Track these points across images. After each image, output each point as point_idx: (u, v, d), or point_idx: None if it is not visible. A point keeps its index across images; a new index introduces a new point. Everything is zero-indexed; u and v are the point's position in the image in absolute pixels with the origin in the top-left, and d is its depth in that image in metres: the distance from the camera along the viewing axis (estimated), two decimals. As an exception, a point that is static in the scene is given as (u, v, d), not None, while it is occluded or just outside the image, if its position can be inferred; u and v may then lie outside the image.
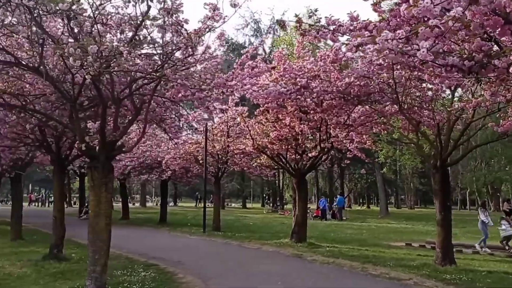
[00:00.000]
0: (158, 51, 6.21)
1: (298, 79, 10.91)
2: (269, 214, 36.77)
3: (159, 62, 6.61)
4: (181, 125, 11.16)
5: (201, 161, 18.07)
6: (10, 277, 8.52)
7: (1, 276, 8.59)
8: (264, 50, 37.82)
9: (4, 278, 8.46)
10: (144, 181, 29.98)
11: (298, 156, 14.19)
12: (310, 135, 13.60)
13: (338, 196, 34.10)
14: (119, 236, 17.45)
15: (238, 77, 10.79)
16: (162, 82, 7.09)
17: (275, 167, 15.66)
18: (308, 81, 10.91)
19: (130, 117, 7.17)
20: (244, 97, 13.98)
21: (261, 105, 12.23)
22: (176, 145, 18.43)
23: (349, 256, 11.52)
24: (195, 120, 17.75)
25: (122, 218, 26.08)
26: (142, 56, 6.31)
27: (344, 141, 12.19)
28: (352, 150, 14.28)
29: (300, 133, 13.40)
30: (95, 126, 6.00)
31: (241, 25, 45.14)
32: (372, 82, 10.98)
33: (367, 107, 12.18)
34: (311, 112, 12.53)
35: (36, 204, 50.75)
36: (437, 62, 4.86)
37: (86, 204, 28.43)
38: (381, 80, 10.75)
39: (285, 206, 41.89)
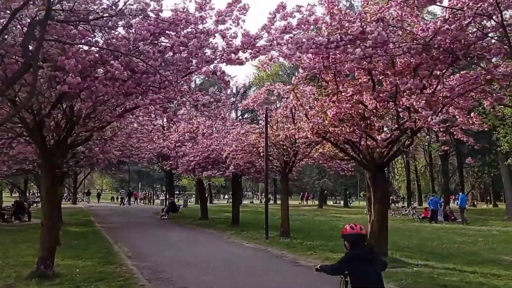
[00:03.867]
0: None
1: (347, 25, 7.36)
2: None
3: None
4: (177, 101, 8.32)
5: (261, 153, 15.08)
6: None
7: None
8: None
9: None
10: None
11: (373, 142, 10.42)
12: (381, 111, 9.72)
13: (460, 193, 28.14)
14: (168, 241, 15.03)
15: (270, 34, 7.81)
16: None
17: (345, 158, 11.98)
18: (365, 26, 7.29)
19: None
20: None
21: (305, 70, 8.84)
22: (237, 135, 15.84)
23: (440, 287, 7.68)
24: (256, 103, 14.97)
25: (200, 218, 24.30)
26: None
27: (427, 116, 8.14)
28: (454, 132, 10.29)
29: (372, 110, 9.68)
30: None
31: None
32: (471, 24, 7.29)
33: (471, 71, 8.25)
34: (379, 76, 8.82)
35: (144, 201, 52.44)
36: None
37: (166, 203, 27.42)
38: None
39: (391, 206, 36.77)
